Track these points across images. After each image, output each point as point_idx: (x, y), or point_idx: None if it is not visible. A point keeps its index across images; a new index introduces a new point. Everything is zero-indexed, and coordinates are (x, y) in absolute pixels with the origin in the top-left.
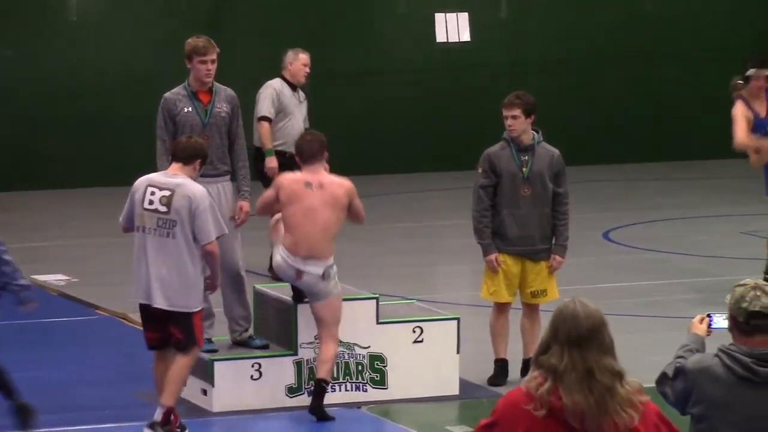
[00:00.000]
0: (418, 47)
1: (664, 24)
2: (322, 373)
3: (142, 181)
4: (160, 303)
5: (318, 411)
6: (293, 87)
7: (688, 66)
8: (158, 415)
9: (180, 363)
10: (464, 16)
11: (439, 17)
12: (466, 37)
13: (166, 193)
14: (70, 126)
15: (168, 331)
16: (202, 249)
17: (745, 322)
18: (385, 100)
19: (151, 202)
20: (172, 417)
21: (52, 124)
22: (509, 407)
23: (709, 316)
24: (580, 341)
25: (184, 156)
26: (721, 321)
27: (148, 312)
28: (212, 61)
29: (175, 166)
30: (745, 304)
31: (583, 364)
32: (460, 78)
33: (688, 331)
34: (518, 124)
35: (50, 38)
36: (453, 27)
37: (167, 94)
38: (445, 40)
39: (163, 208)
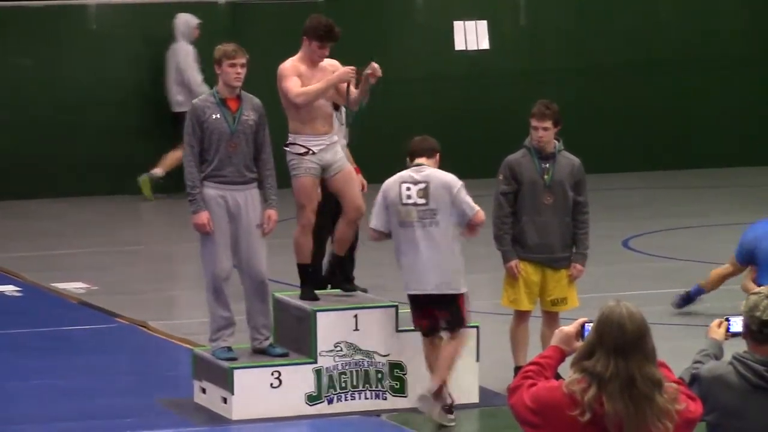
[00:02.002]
0: (437, 55)
1: (682, 32)
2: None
3: (392, 181)
4: (435, 289)
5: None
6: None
7: (706, 74)
8: (432, 388)
9: (453, 344)
10: (483, 24)
11: (458, 25)
12: (485, 45)
13: (422, 186)
14: (89, 134)
15: (436, 315)
16: (474, 220)
17: (759, 330)
18: (403, 109)
19: (408, 197)
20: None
21: (71, 132)
22: (552, 406)
23: (727, 320)
24: (625, 349)
25: (428, 149)
26: (739, 325)
27: (419, 301)
28: (242, 65)
29: (419, 160)
30: (758, 313)
31: (626, 371)
32: (479, 86)
33: (706, 336)
34: (548, 135)
35: (69, 46)
36: (472, 35)
37: (195, 101)
38: (464, 48)
39: (422, 200)
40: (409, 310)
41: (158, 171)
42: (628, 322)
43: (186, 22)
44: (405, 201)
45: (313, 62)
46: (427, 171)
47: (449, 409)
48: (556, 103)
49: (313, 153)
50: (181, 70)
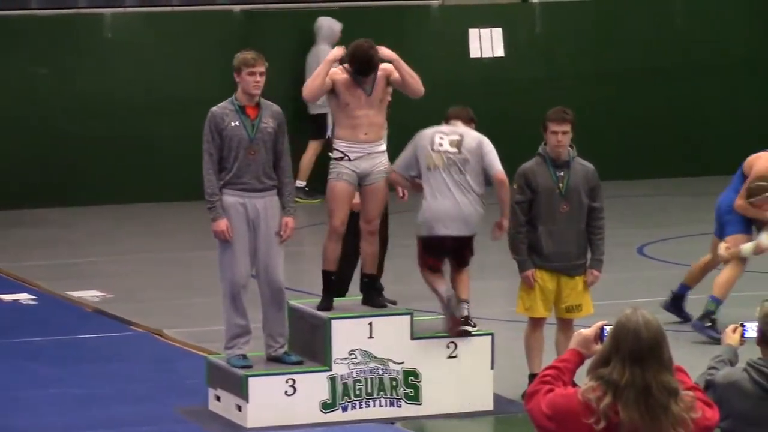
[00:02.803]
0: (452, 63)
1: (695, 39)
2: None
3: (428, 130)
4: (460, 231)
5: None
6: None
7: (721, 80)
8: (466, 311)
9: (466, 274)
10: (498, 32)
11: (473, 33)
12: (500, 52)
13: (455, 137)
14: (103, 143)
15: (444, 258)
16: (496, 179)
17: None
18: (418, 116)
19: (440, 145)
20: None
21: (85, 141)
22: (567, 414)
23: (742, 325)
24: (641, 357)
25: (466, 116)
26: (754, 331)
27: (437, 243)
28: (261, 74)
29: (455, 122)
30: None
31: (642, 380)
32: (494, 94)
33: (721, 341)
34: (567, 139)
35: (84, 55)
36: (487, 43)
37: (214, 109)
38: (479, 56)
39: (454, 149)
40: (424, 318)
41: (299, 182)
42: (644, 330)
43: (329, 26)
44: (436, 148)
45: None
46: (464, 129)
47: (466, 321)
48: (570, 109)
49: (349, 159)
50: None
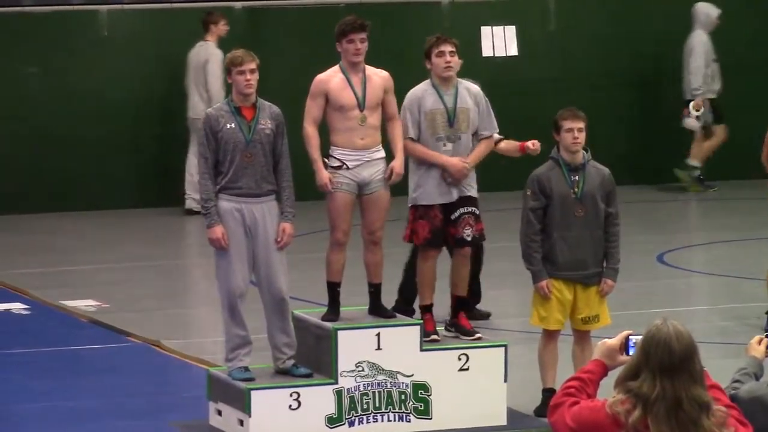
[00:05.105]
0: (463, 61)
1: (717, 37)
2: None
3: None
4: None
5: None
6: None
7: (747, 79)
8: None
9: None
10: (511, 30)
11: (485, 31)
12: (513, 51)
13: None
14: (98, 145)
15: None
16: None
17: None
18: None
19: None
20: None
21: (79, 144)
22: (593, 427)
23: (767, 337)
24: (671, 370)
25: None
26: None
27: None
28: (251, 71)
29: None
30: None
31: (672, 393)
32: (507, 94)
33: (745, 353)
34: (583, 136)
35: (79, 54)
36: (500, 41)
37: (209, 110)
38: (492, 55)
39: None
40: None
41: (695, 162)
42: (675, 341)
43: (705, 11)
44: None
45: (352, 65)
46: None
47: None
48: (585, 110)
49: (348, 168)
50: (694, 55)
